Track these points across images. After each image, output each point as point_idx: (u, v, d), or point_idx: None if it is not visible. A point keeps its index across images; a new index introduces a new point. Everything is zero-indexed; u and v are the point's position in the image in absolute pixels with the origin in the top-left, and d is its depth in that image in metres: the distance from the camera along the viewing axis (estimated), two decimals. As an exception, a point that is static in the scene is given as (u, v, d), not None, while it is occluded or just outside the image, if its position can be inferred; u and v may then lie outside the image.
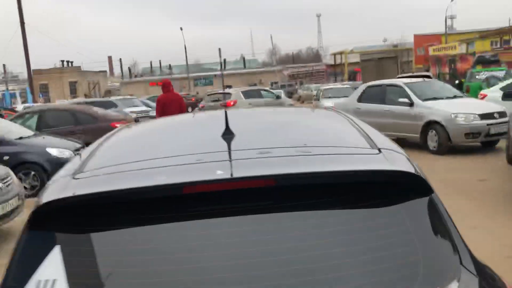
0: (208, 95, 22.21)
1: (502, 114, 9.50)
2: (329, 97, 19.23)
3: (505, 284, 1.28)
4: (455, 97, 10.61)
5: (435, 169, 7.97)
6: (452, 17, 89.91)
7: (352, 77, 61.05)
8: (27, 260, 1.23)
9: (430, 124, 9.81)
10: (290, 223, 1.24)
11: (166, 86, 9.27)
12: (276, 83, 58.20)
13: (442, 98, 10.40)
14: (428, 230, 1.26)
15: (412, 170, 1.33)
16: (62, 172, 1.56)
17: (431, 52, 35.20)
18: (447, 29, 58.12)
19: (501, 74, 18.50)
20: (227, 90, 23.89)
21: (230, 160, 1.41)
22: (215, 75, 61.64)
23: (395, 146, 1.61)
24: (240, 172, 1.30)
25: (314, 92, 25.86)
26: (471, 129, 9.28)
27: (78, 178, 1.41)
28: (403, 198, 1.27)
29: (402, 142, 11.27)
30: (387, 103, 11.05)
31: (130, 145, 1.94)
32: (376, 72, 26.88)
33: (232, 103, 18.52)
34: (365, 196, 1.26)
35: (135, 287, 1.16)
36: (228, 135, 1.58)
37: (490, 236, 4.73)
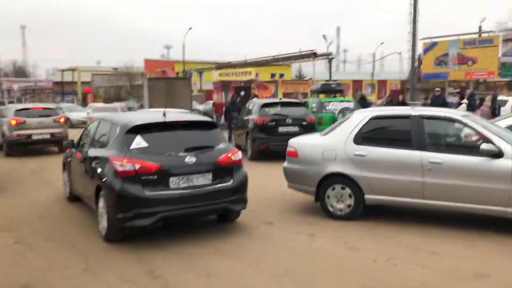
0: None
1: None
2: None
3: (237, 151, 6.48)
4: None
5: None
6: (168, 47, 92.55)
7: (83, 98, 52.73)
8: (127, 141, 5.78)
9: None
10: (190, 133, 6.33)
11: None
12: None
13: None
14: (218, 135, 6.47)
15: (212, 120, 7.00)
16: (125, 121, 6.16)
17: (216, 77, 32.07)
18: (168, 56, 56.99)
19: (350, 105, 16.25)
20: None
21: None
22: None
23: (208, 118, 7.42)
24: (178, 118, 6.57)
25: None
26: None
27: (134, 121, 6.04)
28: (211, 127, 6.52)
29: (460, 222, 6.13)
30: (428, 148, 6.15)
31: (133, 115, 8.23)
32: (166, 94, 21.76)
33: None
34: (202, 127, 6.49)
35: (154, 148, 5.87)
36: (165, 113, 6.33)
37: None
